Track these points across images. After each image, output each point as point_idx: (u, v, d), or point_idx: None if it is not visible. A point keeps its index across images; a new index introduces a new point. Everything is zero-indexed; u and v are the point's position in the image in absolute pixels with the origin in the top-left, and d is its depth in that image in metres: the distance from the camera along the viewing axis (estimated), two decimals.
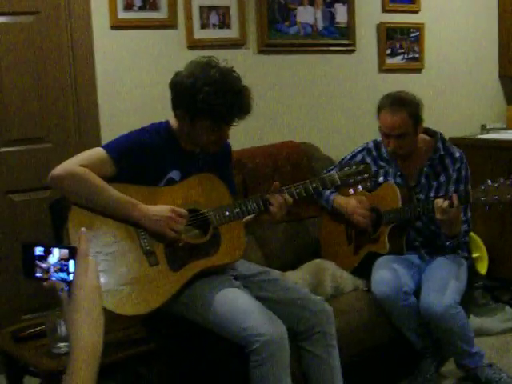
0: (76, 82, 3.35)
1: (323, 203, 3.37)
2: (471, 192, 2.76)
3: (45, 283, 1.29)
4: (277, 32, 3.88)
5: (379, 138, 3.28)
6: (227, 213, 2.48)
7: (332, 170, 3.00)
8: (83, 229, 1.32)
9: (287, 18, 3.91)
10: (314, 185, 2.59)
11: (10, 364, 2.52)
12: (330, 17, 4.06)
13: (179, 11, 3.56)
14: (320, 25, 4.03)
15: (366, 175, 2.66)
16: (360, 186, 2.72)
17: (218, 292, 2.40)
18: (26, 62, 3.24)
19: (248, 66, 3.78)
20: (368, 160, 3.27)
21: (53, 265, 1.29)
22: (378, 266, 3.05)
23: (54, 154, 3.29)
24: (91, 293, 1.26)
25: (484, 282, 4.00)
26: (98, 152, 2.41)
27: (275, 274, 2.72)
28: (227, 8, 3.69)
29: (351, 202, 3.20)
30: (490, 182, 2.71)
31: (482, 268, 4.16)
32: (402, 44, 4.37)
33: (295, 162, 3.61)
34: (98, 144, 3.21)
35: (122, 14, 3.40)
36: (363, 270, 3.12)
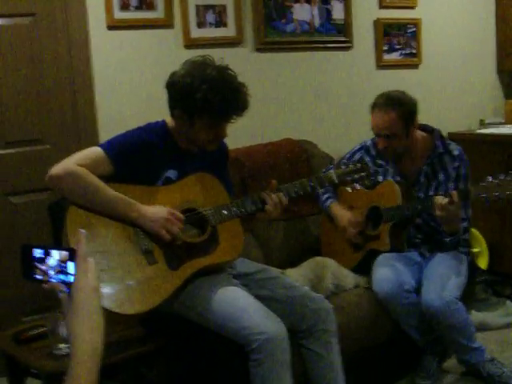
0: (73, 83, 3.35)
1: (320, 204, 3.37)
2: (471, 189, 2.76)
3: (45, 285, 1.29)
4: (273, 30, 3.88)
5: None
6: (225, 211, 2.48)
7: (330, 169, 3.00)
8: (82, 230, 1.32)
9: (284, 15, 3.90)
10: (312, 184, 2.60)
11: (12, 366, 2.52)
12: (327, 14, 4.05)
13: (175, 10, 3.56)
14: (317, 22, 4.02)
15: (363, 173, 2.66)
16: (357, 185, 2.72)
17: (217, 291, 2.40)
18: (23, 63, 3.24)
19: (245, 64, 3.78)
20: (366, 159, 3.26)
21: (52, 267, 1.29)
22: (378, 264, 3.05)
23: (53, 156, 3.28)
24: (91, 294, 1.26)
25: (485, 277, 4.00)
26: (95, 151, 2.41)
27: (275, 271, 2.72)
28: (223, 6, 3.69)
29: (346, 216, 3.22)
30: (490, 178, 2.71)
31: (483, 263, 4.16)
32: (399, 40, 4.37)
33: (294, 159, 3.61)
34: (96, 144, 3.20)
35: (119, 14, 3.40)
36: (364, 268, 3.12)
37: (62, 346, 2.29)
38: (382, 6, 4.28)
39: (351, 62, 4.22)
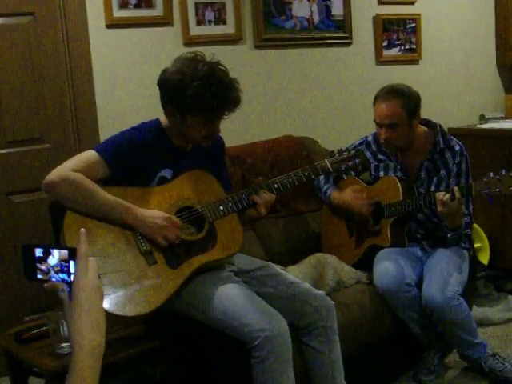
0: (73, 82, 3.34)
1: (322, 197, 3.37)
2: (473, 185, 2.76)
3: (45, 284, 1.29)
4: (273, 26, 3.87)
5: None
6: (221, 207, 2.48)
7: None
8: (83, 229, 1.32)
9: (283, 12, 3.90)
10: (306, 173, 2.59)
11: (14, 365, 2.53)
12: (326, 10, 4.05)
13: (174, 8, 3.55)
14: (316, 18, 4.02)
15: (357, 160, 2.65)
16: (353, 172, 2.72)
17: (219, 289, 2.40)
18: (22, 62, 3.23)
19: (245, 61, 3.78)
20: (367, 154, 3.26)
21: (53, 266, 1.29)
22: (379, 259, 3.05)
23: (53, 155, 3.29)
24: (92, 293, 1.26)
25: (486, 272, 4.00)
26: (90, 155, 2.40)
27: (276, 268, 2.72)
28: (223, 4, 3.69)
29: (349, 193, 3.19)
30: (491, 174, 2.70)
31: (484, 258, 4.16)
32: (398, 35, 4.37)
33: (294, 156, 3.60)
34: (96, 142, 3.20)
35: (118, 13, 3.39)
36: (365, 263, 3.12)
37: (64, 344, 2.29)
38: (381, 2, 4.28)
39: (351, 58, 4.21)
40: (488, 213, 4.18)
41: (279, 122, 3.97)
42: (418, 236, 3.18)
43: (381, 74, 4.28)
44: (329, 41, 4.10)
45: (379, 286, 2.95)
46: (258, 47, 3.86)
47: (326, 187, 3.33)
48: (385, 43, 4.32)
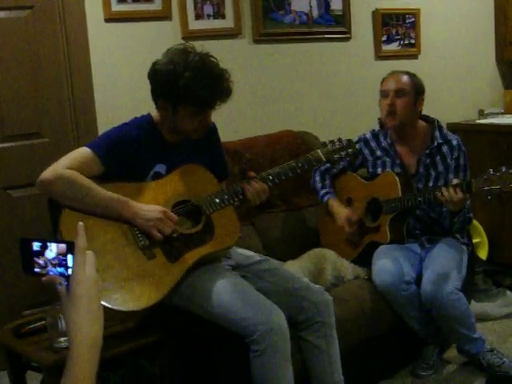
0: (71, 76, 3.34)
1: (319, 200, 3.37)
2: (473, 182, 2.75)
3: (43, 278, 1.29)
4: (272, 21, 3.86)
5: (377, 129, 3.28)
6: (217, 200, 2.49)
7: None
8: (80, 223, 1.31)
9: (282, 6, 3.89)
10: (300, 164, 2.60)
11: (13, 360, 2.53)
12: (325, 4, 4.04)
13: (173, 2, 3.55)
14: (315, 13, 4.01)
15: (350, 150, 2.67)
16: (344, 162, 2.74)
17: (217, 283, 2.40)
18: (21, 56, 3.23)
19: (244, 55, 3.77)
20: (366, 151, 3.26)
21: (51, 260, 1.28)
22: (378, 255, 3.05)
23: (52, 149, 3.29)
24: (90, 287, 1.26)
25: (485, 268, 4.00)
26: (83, 152, 2.39)
27: (274, 263, 2.71)
28: None
29: (343, 214, 3.20)
30: (491, 170, 2.69)
31: (483, 253, 4.16)
32: (397, 30, 4.36)
33: (293, 151, 3.59)
34: (95, 136, 3.20)
35: (116, 7, 3.39)
36: (364, 259, 3.12)
37: (62, 339, 2.28)
38: None
39: (350, 53, 4.21)
40: (487, 208, 4.18)
41: (278, 116, 3.96)
42: (417, 232, 3.18)
43: (380, 68, 4.25)
44: (328, 35, 4.09)
45: (378, 284, 2.95)
46: (256, 42, 3.85)
47: (323, 192, 3.33)
48: (384, 38, 4.31)
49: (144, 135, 2.48)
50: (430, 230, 3.17)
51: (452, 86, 4.64)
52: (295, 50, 4.00)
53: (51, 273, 1.28)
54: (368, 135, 3.31)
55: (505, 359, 2.96)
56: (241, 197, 2.51)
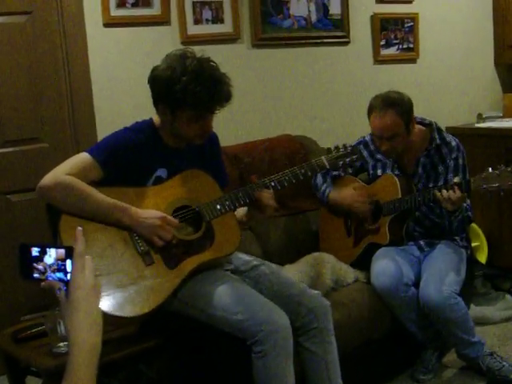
0: (70, 81, 3.34)
1: (320, 197, 3.37)
2: (472, 180, 2.76)
3: (42, 283, 1.29)
4: (270, 25, 3.87)
5: None
6: (218, 206, 2.48)
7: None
8: (79, 228, 1.31)
9: (280, 11, 3.90)
10: (303, 170, 2.57)
11: (12, 365, 2.53)
12: (324, 9, 4.05)
13: (172, 7, 3.55)
14: (314, 17, 4.02)
15: (354, 156, 2.64)
16: (350, 169, 2.71)
17: (217, 286, 2.40)
18: (19, 61, 3.23)
19: (242, 60, 3.77)
20: (365, 154, 3.27)
21: (50, 265, 1.29)
22: (377, 258, 3.05)
23: (51, 154, 3.29)
24: (89, 292, 1.26)
25: (484, 271, 4.00)
26: (83, 158, 2.39)
27: (272, 267, 2.70)
28: (220, 3, 3.68)
29: (348, 193, 3.19)
30: (490, 169, 2.71)
31: (482, 257, 4.15)
32: (396, 34, 4.36)
33: (292, 155, 3.60)
34: (94, 142, 3.20)
35: (115, 12, 3.39)
36: (363, 262, 3.12)
37: (61, 344, 2.29)
38: (378, 1, 4.28)
39: (349, 58, 4.21)
40: (485, 212, 4.18)
41: (277, 121, 3.96)
42: (416, 234, 3.19)
43: (378, 73, 4.28)
44: (326, 40, 4.10)
45: (376, 286, 2.95)
46: (255, 46, 3.85)
47: (324, 187, 3.33)
48: (382, 42, 4.32)
49: (145, 139, 2.48)
50: (429, 232, 3.18)
51: (450, 89, 4.65)
52: (294, 55, 4.00)
53: (50, 278, 1.28)
54: (368, 138, 3.31)
55: (504, 363, 2.96)
56: (242, 203, 2.50)
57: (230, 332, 2.36)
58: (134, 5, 3.43)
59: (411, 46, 4.44)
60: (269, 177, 2.55)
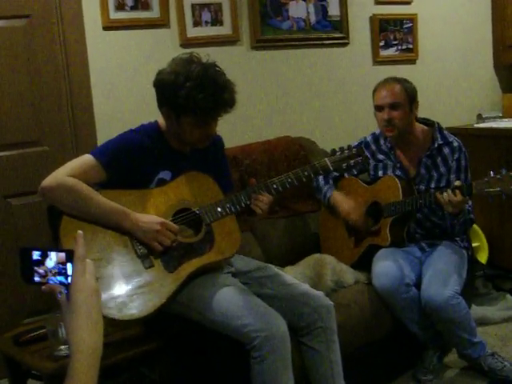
0: (70, 84, 3.34)
1: (321, 198, 3.36)
2: (473, 184, 2.75)
3: (43, 287, 1.29)
4: (270, 27, 3.87)
5: (377, 131, 3.28)
6: (219, 209, 2.48)
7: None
8: (79, 231, 1.31)
9: (279, 12, 3.90)
10: (306, 173, 2.55)
11: (13, 368, 2.53)
12: (323, 10, 4.05)
13: (171, 10, 3.56)
14: (312, 19, 4.02)
15: (359, 158, 2.60)
16: (355, 170, 2.69)
17: (217, 290, 2.40)
18: (19, 65, 3.23)
19: (242, 62, 3.78)
20: (366, 154, 3.26)
21: (50, 268, 1.29)
22: (378, 258, 3.05)
23: (51, 157, 3.29)
24: (90, 295, 1.26)
25: (485, 272, 4.00)
26: (86, 159, 2.39)
27: (274, 269, 2.71)
28: (219, 5, 3.68)
29: (346, 204, 3.19)
30: (492, 173, 2.70)
31: (483, 257, 4.16)
32: (395, 35, 4.36)
33: (292, 157, 3.61)
34: (94, 145, 3.21)
35: (114, 15, 3.40)
36: (363, 264, 3.12)
37: (62, 347, 2.29)
38: (377, 2, 4.27)
39: (348, 59, 4.21)
40: (487, 212, 4.18)
41: (276, 122, 3.96)
42: (417, 236, 3.19)
43: (378, 74, 4.25)
44: (325, 41, 4.10)
45: (377, 286, 2.95)
46: (254, 48, 3.86)
47: (325, 189, 3.33)
48: (382, 43, 4.32)
49: (150, 142, 2.48)
50: (430, 233, 3.18)
51: (450, 90, 4.65)
52: (293, 56, 4.01)
53: (51, 282, 1.28)
54: (369, 138, 3.32)
55: (506, 363, 2.96)
56: (243, 205, 2.50)
57: (229, 335, 2.36)
58: (133, 8, 3.44)
59: (410, 46, 4.44)
60: (271, 179, 2.54)
